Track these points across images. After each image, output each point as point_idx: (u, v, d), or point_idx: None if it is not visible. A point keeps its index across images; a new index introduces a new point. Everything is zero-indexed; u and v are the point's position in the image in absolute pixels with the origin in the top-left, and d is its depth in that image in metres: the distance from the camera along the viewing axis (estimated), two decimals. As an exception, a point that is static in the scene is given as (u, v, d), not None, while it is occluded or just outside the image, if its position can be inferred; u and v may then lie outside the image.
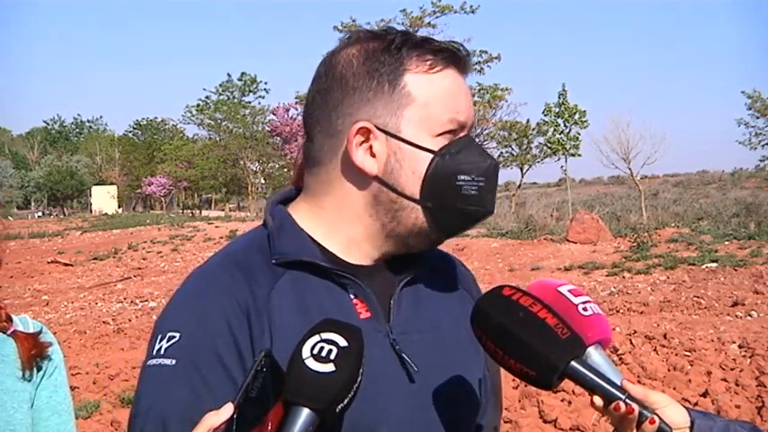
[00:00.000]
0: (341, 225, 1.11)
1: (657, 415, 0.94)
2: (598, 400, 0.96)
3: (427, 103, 1.06)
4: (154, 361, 1.01)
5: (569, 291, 1.11)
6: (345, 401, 0.91)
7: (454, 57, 1.08)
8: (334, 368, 0.90)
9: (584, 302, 1.09)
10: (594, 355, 1.03)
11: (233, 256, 1.10)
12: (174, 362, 0.99)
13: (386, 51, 1.07)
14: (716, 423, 0.98)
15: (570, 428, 5.05)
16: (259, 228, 1.15)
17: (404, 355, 1.07)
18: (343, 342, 0.92)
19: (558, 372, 0.96)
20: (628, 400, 0.94)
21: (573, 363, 0.97)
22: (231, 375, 1.00)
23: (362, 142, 1.07)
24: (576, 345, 0.98)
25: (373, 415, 1.03)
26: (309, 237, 1.11)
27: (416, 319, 1.12)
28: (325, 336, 0.92)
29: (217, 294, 1.04)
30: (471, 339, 1.09)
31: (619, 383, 0.97)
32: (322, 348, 0.91)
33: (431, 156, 1.06)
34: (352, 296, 1.08)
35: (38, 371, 1.44)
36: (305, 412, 0.89)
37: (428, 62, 1.06)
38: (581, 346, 0.99)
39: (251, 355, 1.01)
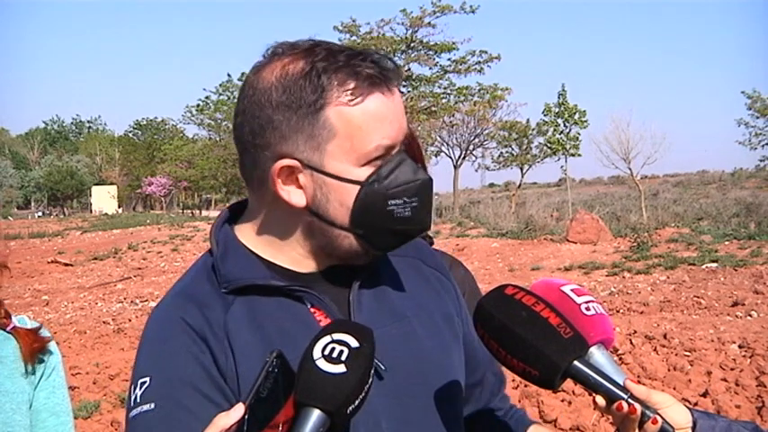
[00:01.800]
0: (283, 245, 1.11)
1: (660, 415, 0.94)
2: (600, 400, 0.96)
3: (350, 135, 1.02)
4: (134, 411, 1.00)
5: (572, 290, 1.11)
6: (356, 403, 0.90)
7: (378, 78, 1.03)
8: (345, 369, 0.89)
9: (587, 302, 1.09)
10: (597, 354, 1.03)
11: (183, 292, 1.10)
12: (152, 405, 0.99)
13: (306, 78, 1.01)
14: (718, 423, 0.98)
15: (570, 428, 5.04)
16: (206, 255, 1.15)
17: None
18: (354, 343, 0.91)
19: (561, 371, 0.96)
20: (630, 400, 0.94)
21: (576, 362, 0.96)
22: (210, 398, 1.00)
23: (288, 176, 1.05)
24: (579, 344, 0.98)
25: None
26: (256, 255, 1.11)
27: (380, 313, 1.12)
28: (337, 336, 0.92)
29: (173, 331, 1.04)
30: (445, 319, 1.11)
31: (621, 383, 0.97)
32: (333, 349, 0.90)
33: (357, 187, 1.03)
34: (309, 306, 1.08)
35: (39, 363, 1.44)
36: (316, 413, 0.88)
37: (349, 91, 1.01)
38: (584, 346, 0.99)
39: (221, 377, 1.02)
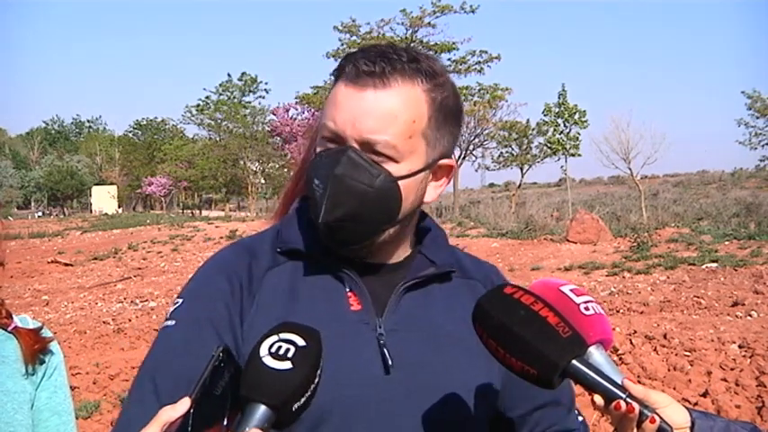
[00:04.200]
0: None
1: (658, 414, 0.94)
2: (599, 399, 0.96)
3: (325, 107, 1.12)
4: (163, 323, 1.14)
5: (571, 290, 1.11)
6: (302, 400, 0.92)
7: (354, 74, 1.08)
8: (291, 366, 0.91)
9: (585, 302, 1.09)
10: (596, 354, 1.03)
11: (243, 242, 1.23)
12: (174, 322, 1.12)
13: (345, 56, 1.13)
14: (716, 423, 0.98)
15: (571, 429, 5.04)
16: (277, 223, 1.25)
17: (385, 350, 1.11)
18: (301, 342, 0.94)
19: (560, 370, 0.96)
20: (628, 399, 0.94)
21: (574, 362, 0.97)
22: (221, 337, 1.09)
23: None
24: (578, 344, 0.98)
25: (339, 400, 1.06)
26: (316, 230, 1.15)
27: (415, 319, 1.16)
28: (284, 336, 0.94)
29: (218, 268, 1.17)
30: (483, 349, 1.10)
31: (620, 383, 0.97)
32: (280, 347, 0.93)
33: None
34: (347, 289, 1.14)
35: (40, 364, 1.44)
36: (261, 408, 0.90)
37: (343, 71, 1.10)
38: (582, 345, 0.99)
39: (239, 323, 1.11)
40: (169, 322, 1.13)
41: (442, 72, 1.13)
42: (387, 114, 1.07)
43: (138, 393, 1.09)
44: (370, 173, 1.07)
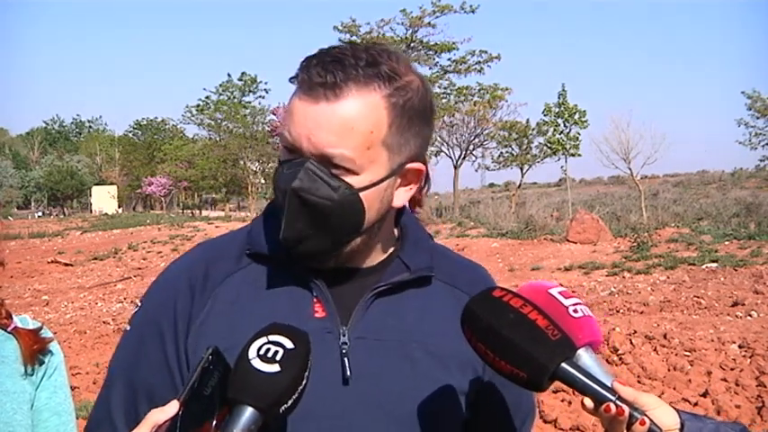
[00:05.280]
0: None
1: (648, 416, 0.94)
2: (588, 402, 0.96)
3: (285, 115, 1.10)
4: (125, 326, 1.19)
5: (560, 293, 1.11)
6: (289, 403, 0.93)
7: (307, 85, 1.04)
8: (279, 368, 0.92)
9: (574, 305, 1.09)
10: (585, 356, 1.03)
11: (206, 244, 1.24)
12: (129, 328, 1.18)
13: (302, 61, 1.08)
14: (706, 425, 0.97)
15: (570, 428, 5.05)
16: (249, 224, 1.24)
17: (345, 359, 1.08)
18: (289, 344, 0.94)
19: (549, 373, 0.96)
20: (618, 402, 0.94)
21: (563, 364, 0.97)
22: (164, 347, 1.11)
23: None
24: (567, 346, 0.98)
25: (300, 418, 1.01)
26: None
27: (383, 326, 1.12)
28: (273, 338, 0.95)
29: (175, 271, 1.19)
30: (457, 357, 1.10)
31: (609, 385, 0.97)
32: (268, 350, 0.93)
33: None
34: (314, 296, 1.11)
35: (40, 366, 1.44)
36: (248, 411, 0.90)
37: (297, 80, 1.07)
38: (571, 348, 0.99)
39: (185, 329, 1.11)
40: (127, 327, 1.18)
41: (406, 72, 1.07)
42: (342, 127, 1.02)
43: (100, 398, 1.18)
44: (330, 185, 1.03)
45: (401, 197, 1.13)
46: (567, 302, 1.09)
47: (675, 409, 0.99)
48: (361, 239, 1.10)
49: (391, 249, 1.18)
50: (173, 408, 0.90)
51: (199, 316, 1.10)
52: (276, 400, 0.91)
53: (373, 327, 1.11)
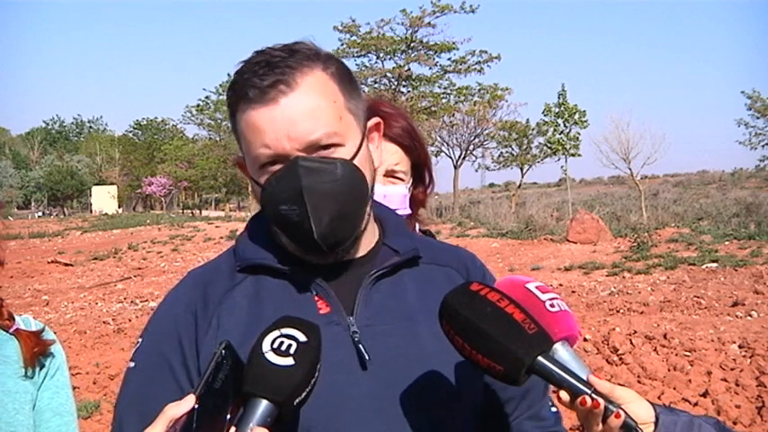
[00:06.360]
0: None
1: (623, 410, 0.95)
2: (565, 395, 0.97)
3: (245, 142, 1.10)
4: (128, 363, 1.17)
5: (537, 287, 1.12)
6: (303, 395, 0.94)
7: (258, 90, 1.06)
8: (293, 362, 0.93)
9: (551, 299, 1.10)
10: (561, 350, 1.04)
11: (195, 272, 1.23)
12: (133, 364, 1.16)
13: (231, 86, 1.10)
14: (680, 418, 0.99)
15: (570, 429, 5.04)
16: (230, 247, 1.25)
17: (360, 346, 1.11)
18: (302, 337, 0.95)
19: (526, 367, 0.97)
20: (594, 395, 0.95)
21: (540, 358, 0.97)
22: (174, 374, 1.12)
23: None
24: (543, 340, 0.99)
25: (329, 405, 1.07)
26: (275, 242, 1.18)
27: (387, 310, 1.16)
28: (285, 331, 0.96)
29: (170, 302, 1.19)
30: None
31: (585, 378, 0.98)
32: (282, 343, 0.94)
33: (260, 189, 1.11)
34: (314, 294, 1.15)
35: (40, 368, 1.44)
36: (263, 404, 0.91)
37: (242, 101, 1.07)
38: (548, 342, 1.00)
39: (195, 352, 1.11)
40: (131, 363, 1.16)
41: (317, 48, 1.12)
42: (311, 110, 1.06)
43: None
44: (329, 168, 1.07)
45: (376, 155, 1.20)
46: (543, 297, 1.10)
47: (651, 402, 1.00)
48: (367, 216, 1.16)
49: (376, 238, 1.23)
50: (188, 402, 0.90)
51: (206, 335, 1.12)
52: (292, 393, 0.92)
53: (378, 313, 1.15)
